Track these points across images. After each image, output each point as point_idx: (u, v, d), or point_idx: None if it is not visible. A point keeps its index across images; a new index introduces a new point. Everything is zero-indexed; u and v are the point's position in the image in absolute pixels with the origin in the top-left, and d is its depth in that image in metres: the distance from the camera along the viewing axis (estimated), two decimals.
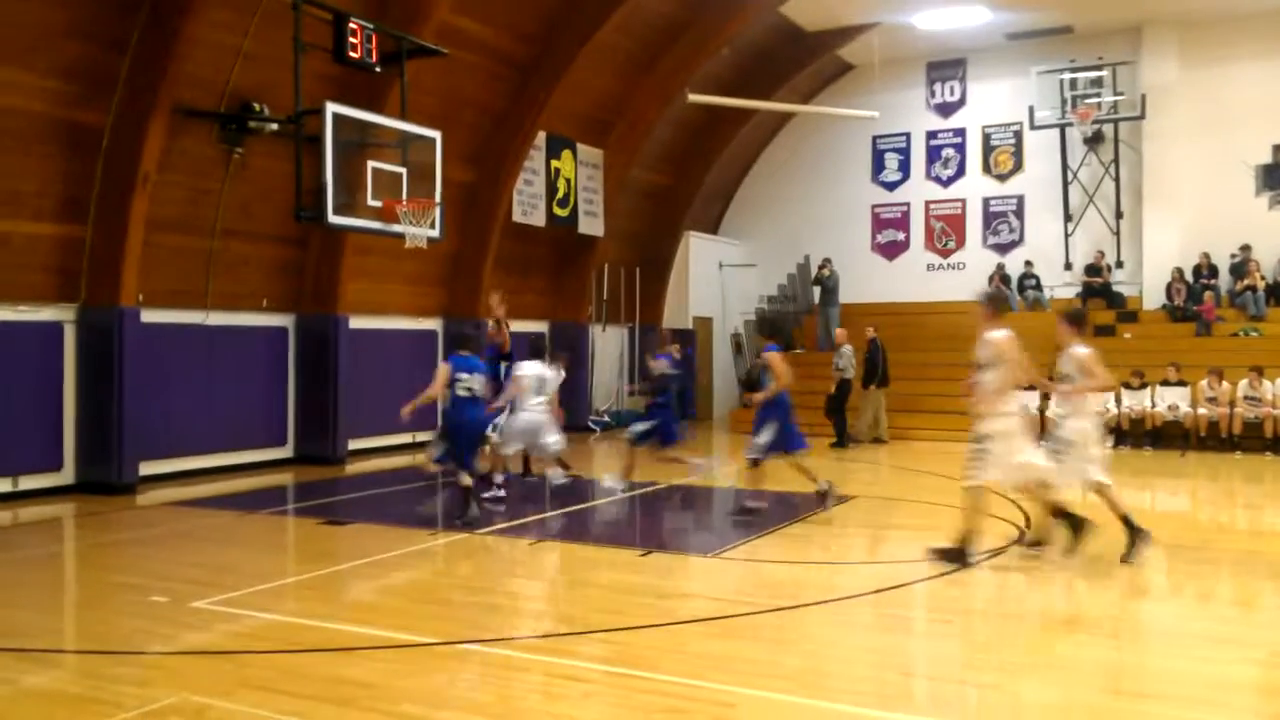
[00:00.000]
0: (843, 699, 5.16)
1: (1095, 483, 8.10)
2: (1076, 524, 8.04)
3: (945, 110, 22.37)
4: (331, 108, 10.71)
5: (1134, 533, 7.99)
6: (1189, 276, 19.46)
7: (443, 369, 9.85)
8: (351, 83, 13.29)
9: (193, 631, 6.32)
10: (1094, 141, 20.62)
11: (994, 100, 21.73)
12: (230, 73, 12.52)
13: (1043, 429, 16.99)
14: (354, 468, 14.34)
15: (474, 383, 9.75)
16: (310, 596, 7.32)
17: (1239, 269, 19.08)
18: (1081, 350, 8.39)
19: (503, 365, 12.05)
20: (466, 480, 9.78)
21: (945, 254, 22.34)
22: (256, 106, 12.79)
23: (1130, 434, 16.64)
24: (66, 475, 11.75)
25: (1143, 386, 16.76)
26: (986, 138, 21.96)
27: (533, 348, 11.14)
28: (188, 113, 12.18)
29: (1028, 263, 21.10)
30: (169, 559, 8.62)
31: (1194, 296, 19.11)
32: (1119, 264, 20.53)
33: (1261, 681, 5.65)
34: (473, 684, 5.31)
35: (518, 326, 15.88)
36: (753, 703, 5.07)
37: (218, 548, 9.03)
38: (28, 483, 11.37)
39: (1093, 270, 20.38)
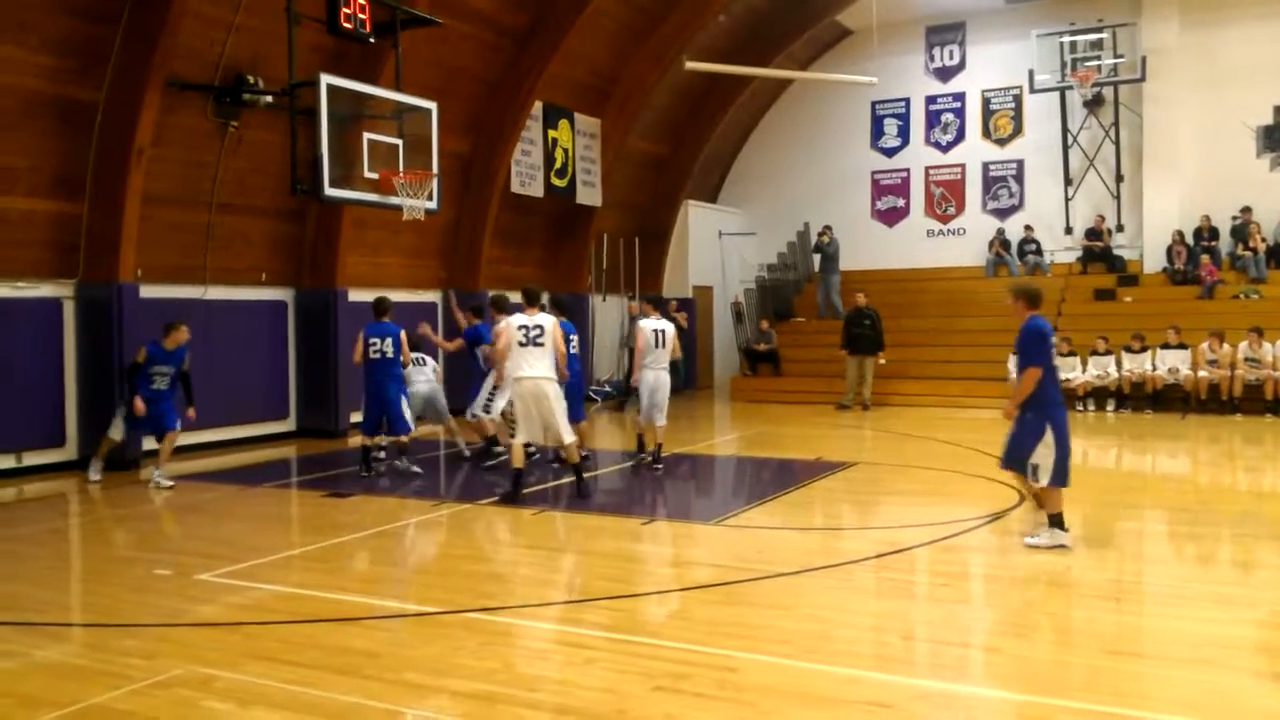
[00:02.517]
0: (844, 662, 5.20)
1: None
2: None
3: (944, 75, 22.23)
4: (326, 79, 10.65)
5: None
6: (1189, 239, 19.40)
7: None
8: (346, 54, 13.23)
9: (198, 604, 6.36)
10: (1094, 104, 20.52)
11: (993, 64, 21.60)
12: (223, 45, 12.44)
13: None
14: (357, 440, 14.35)
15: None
16: (314, 568, 7.36)
17: (1240, 231, 19.02)
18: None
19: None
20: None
21: (945, 220, 22.28)
22: (250, 79, 12.72)
23: (1131, 397, 16.66)
24: (69, 451, 11.78)
25: (1143, 350, 16.75)
26: (986, 102, 21.84)
27: (657, 303, 11.74)
28: (181, 86, 12.11)
29: (1028, 227, 21.06)
30: (173, 533, 8.67)
31: (1194, 259, 19.06)
32: (1119, 227, 20.49)
33: (1261, 641, 5.68)
34: (477, 652, 5.35)
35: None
36: (755, 666, 5.11)
37: (221, 521, 9.07)
38: (31, 459, 11.41)
39: (1093, 234, 20.33)
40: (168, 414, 10.73)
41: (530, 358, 9.24)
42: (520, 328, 9.28)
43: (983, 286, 20.79)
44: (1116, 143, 20.33)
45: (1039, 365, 7.36)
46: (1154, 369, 16.57)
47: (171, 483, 10.56)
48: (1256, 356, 15.89)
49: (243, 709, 4.61)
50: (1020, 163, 21.57)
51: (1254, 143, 19.05)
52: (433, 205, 11.86)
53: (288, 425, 14.55)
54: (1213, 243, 19.26)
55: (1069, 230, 20.93)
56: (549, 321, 9.39)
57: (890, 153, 22.74)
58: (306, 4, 10.81)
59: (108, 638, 5.71)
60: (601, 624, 5.89)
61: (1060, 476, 7.39)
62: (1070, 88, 20.09)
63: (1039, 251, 20.84)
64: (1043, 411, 7.41)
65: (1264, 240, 18.76)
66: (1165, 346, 16.67)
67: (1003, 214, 21.67)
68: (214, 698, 4.74)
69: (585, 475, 9.78)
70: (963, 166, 22.08)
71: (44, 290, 11.58)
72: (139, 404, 10.42)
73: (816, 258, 21.45)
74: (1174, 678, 5.00)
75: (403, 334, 11.08)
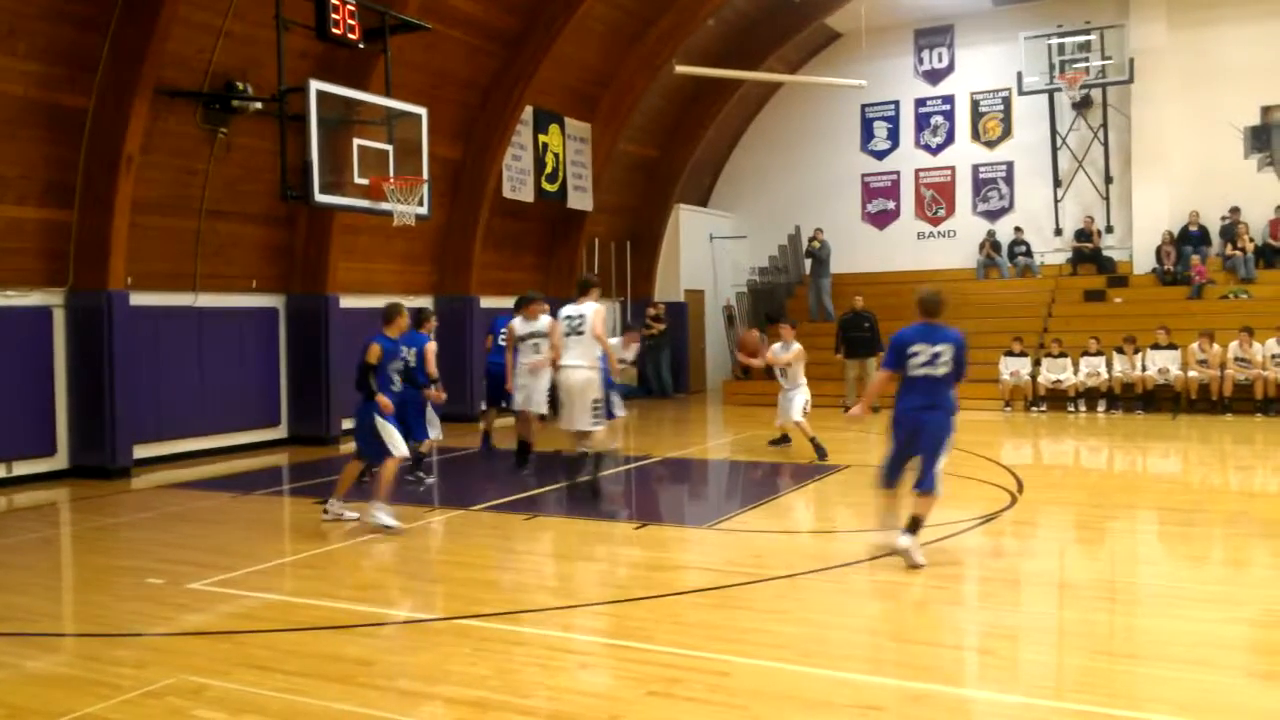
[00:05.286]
0: (838, 666, 5.20)
1: None
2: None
3: (933, 77, 22.28)
4: (315, 85, 10.62)
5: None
6: (1178, 240, 19.47)
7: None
8: (335, 60, 13.21)
9: (190, 612, 6.34)
10: (1082, 106, 20.58)
11: (982, 67, 21.66)
12: (212, 52, 12.42)
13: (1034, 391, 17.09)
14: (349, 447, 14.32)
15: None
16: (306, 576, 7.34)
17: (1229, 231, 19.10)
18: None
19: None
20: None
21: (935, 222, 22.32)
22: (240, 86, 12.70)
23: (1121, 398, 16.71)
24: (60, 460, 11.74)
25: (1134, 351, 16.80)
26: (975, 104, 21.89)
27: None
28: (171, 93, 12.09)
29: (1018, 229, 21.12)
30: (165, 541, 8.63)
31: (1184, 260, 19.14)
32: (1109, 229, 20.55)
33: (1253, 640, 5.70)
34: (470, 658, 5.34)
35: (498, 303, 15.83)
36: (748, 671, 5.11)
37: (213, 529, 9.04)
38: (21, 468, 11.37)
39: (1082, 235, 20.40)
40: (416, 424, 9.95)
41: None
42: (565, 318, 9.74)
43: (973, 289, 20.84)
44: (1105, 144, 20.40)
45: None
46: (1144, 370, 16.62)
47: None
48: (1246, 356, 15.95)
49: (235, 718, 4.60)
50: (1010, 165, 21.63)
51: (1242, 143, 19.11)
52: (423, 211, 11.85)
53: (279, 432, 14.51)
54: (1202, 244, 19.34)
55: (1059, 232, 20.99)
56: (590, 310, 9.71)
57: (880, 155, 22.79)
58: (295, 10, 10.79)
59: (99, 647, 5.69)
60: (595, 629, 5.88)
61: None
62: (1059, 90, 20.14)
63: (1029, 253, 20.90)
64: None
65: (1252, 241, 18.83)
66: (1155, 347, 16.72)
67: (993, 216, 21.72)
68: (206, 707, 4.72)
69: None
70: (952, 169, 22.13)
71: (34, 299, 11.54)
72: (386, 401, 8.64)
73: (808, 261, 21.48)
74: (1167, 678, 5.01)
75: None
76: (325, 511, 8.94)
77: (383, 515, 8.40)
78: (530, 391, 11.09)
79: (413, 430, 10.03)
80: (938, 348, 7.04)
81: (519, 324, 11.16)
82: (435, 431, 10.79)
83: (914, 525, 7.00)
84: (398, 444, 8.55)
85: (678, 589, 6.77)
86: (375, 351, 8.57)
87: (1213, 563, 7.67)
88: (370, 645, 5.62)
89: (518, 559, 8.00)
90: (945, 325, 7.19)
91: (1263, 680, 5.06)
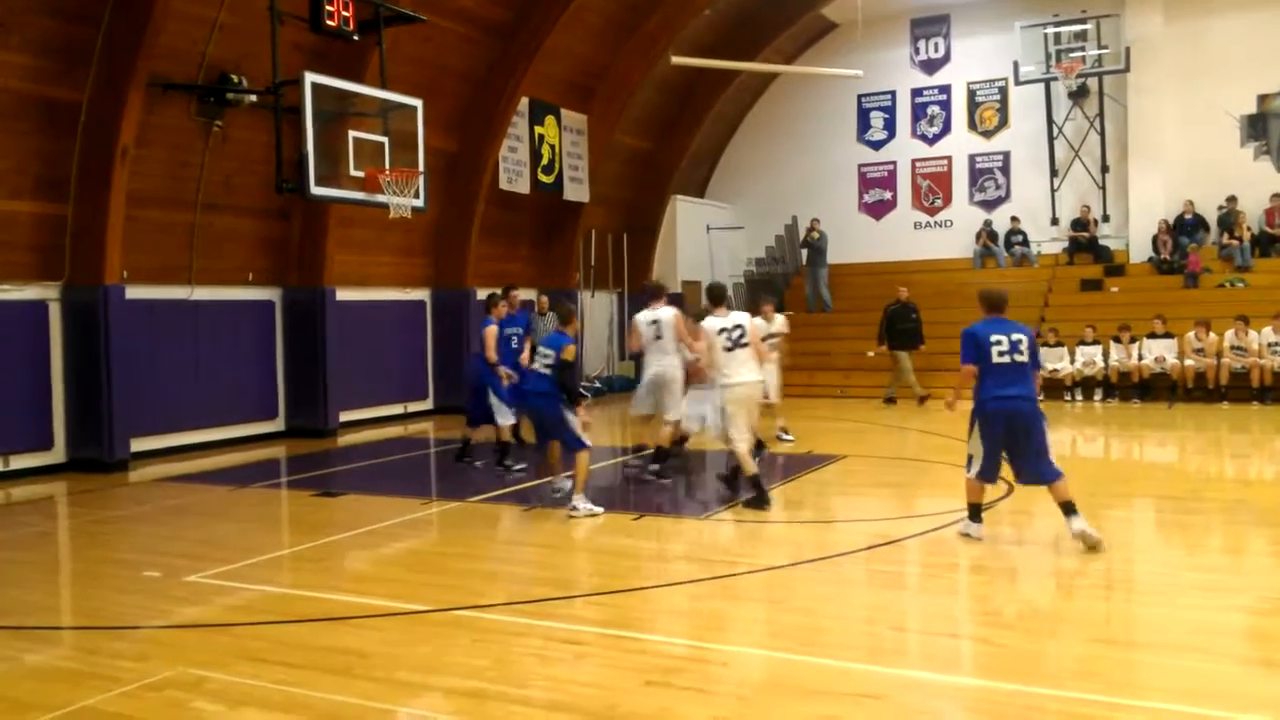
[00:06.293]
0: (836, 655, 5.21)
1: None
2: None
3: (930, 67, 22.25)
4: (310, 77, 10.59)
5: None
6: (1175, 229, 19.46)
7: None
8: (330, 52, 13.18)
9: (188, 605, 6.35)
10: (1079, 96, 20.56)
11: (978, 56, 21.62)
12: (207, 45, 12.37)
13: None
14: (346, 439, 14.35)
15: None
16: (305, 568, 7.35)
17: (1225, 220, 19.10)
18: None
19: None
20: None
21: (932, 212, 22.31)
22: (234, 78, 12.66)
23: (1118, 387, 16.73)
24: (57, 454, 11.73)
25: (1131, 340, 16.81)
26: (971, 94, 21.86)
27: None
28: (165, 86, 12.06)
29: (1014, 219, 21.11)
30: (163, 534, 8.63)
31: (1180, 249, 19.14)
32: (1105, 218, 20.55)
33: (1250, 627, 5.72)
34: (468, 650, 5.34)
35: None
36: (746, 660, 5.12)
37: (211, 522, 9.04)
38: (19, 462, 11.36)
39: (1079, 225, 20.39)
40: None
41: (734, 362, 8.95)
42: (721, 330, 8.93)
43: (970, 278, 20.78)
44: (1101, 133, 20.39)
45: None
46: (1140, 359, 16.63)
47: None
48: (1242, 345, 15.97)
49: (234, 710, 4.60)
50: (1006, 154, 21.61)
51: (1238, 132, 19.11)
52: (419, 203, 11.82)
53: (277, 425, 14.50)
54: (1198, 233, 19.34)
55: (1055, 221, 20.98)
56: (747, 320, 9.11)
57: (877, 145, 22.76)
58: (290, 2, 10.75)
59: (98, 640, 5.69)
60: (593, 619, 5.89)
61: None
62: (1055, 79, 20.12)
63: (1025, 243, 20.90)
64: None
65: (1249, 229, 18.84)
66: (1152, 336, 16.74)
67: (989, 205, 21.71)
68: (205, 699, 4.73)
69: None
70: (949, 159, 22.11)
71: (29, 292, 11.52)
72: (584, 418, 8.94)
73: (804, 252, 21.47)
74: (1164, 665, 5.02)
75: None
76: (574, 509, 8.71)
77: (582, 505, 8.63)
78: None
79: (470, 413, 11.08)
80: (1015, 335, 7.29)
81: (760, 322, 10.72)
82: (502, 418, 10.89)
83: (1069, 510, 7.19)
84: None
85: (676, 579, 6.78)
86: (571, 351, 8.77)
87: (1210, 551, 7.68)
88: (368, 637, 5.62)
89: (515, 550, 8.00)
90: (1011, 320, 7.45)
91: (1260, 667, 5.08)
